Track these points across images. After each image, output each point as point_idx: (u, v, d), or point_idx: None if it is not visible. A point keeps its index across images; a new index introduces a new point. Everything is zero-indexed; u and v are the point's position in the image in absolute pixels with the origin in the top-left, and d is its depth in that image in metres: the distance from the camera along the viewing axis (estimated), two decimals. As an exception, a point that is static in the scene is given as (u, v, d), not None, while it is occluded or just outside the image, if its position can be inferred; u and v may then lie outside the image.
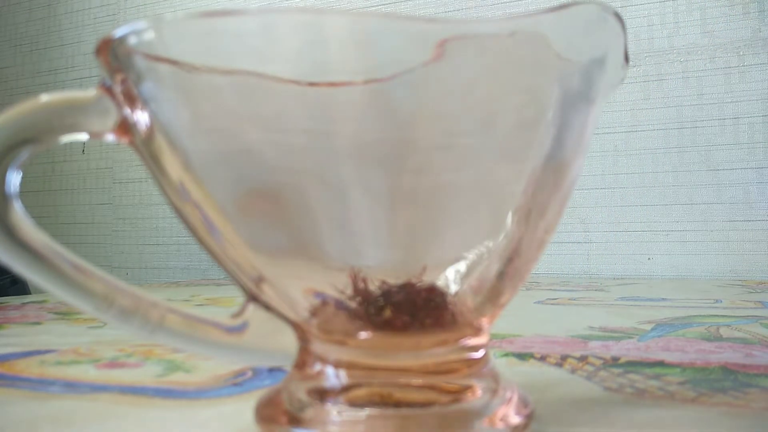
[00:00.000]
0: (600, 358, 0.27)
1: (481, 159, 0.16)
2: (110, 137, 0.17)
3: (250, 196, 0.16)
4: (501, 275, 0.17)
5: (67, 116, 0.16)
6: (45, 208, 1.21)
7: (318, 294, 0.17)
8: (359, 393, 0.17)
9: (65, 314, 0.46)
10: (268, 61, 0.15)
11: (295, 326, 0.18)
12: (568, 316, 0.42)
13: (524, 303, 0.50)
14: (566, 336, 0.33)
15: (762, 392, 0.21)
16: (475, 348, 0.18)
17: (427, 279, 0.17)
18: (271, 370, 0.25)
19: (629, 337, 0.32)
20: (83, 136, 0.17)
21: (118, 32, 0.16)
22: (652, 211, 0.82)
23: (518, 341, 0.31)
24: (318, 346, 0.18)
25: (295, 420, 0.17)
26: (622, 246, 0.83)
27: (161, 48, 0.15)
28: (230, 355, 0.18)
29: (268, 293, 0.17)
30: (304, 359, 0.18)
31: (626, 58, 0.18)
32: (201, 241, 0.18)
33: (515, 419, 0.17)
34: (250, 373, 0.25)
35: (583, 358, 0.27)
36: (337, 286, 0.16)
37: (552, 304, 0.49)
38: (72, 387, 0.24)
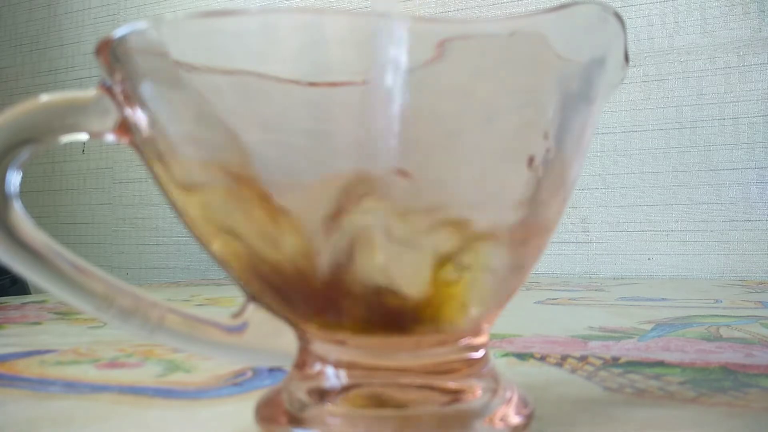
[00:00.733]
0: (600, 358, 0.27)
1: (481, 159, 0.16)
2: (110, 137, 0.17)
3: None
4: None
5: (67, 116, 0.16)
6: (45, 208, 1.21)
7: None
8: (359, 393, 0.17)
9: (65, 314, 0.46)
10: (269, 61, 0.15)
11: (295, 326, 0.18)
12: (568, 316, 0.42)
13: (524, 303, 0.50)
14: (566, 336, 0.33)
15: (762, 392, 0.21)
16: (475, 348, 0.18)
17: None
18: (271, 370, 0.25)
19: (629, 337, 0.32)
20: (83, 136, 0.17)
21: (118, 32, 0.16)
22: (652, 211, 0.82)
23: (518, 341, 0.31)
24: (318, 346, 0.18)
25: (295, 420, 0.17)
26: (622, 246, 0.83)
27: (161, 48, 0.15)
28: (230, 355, 0.18)
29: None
30: (304, 359, 0.18)
31: (626, 59, 0.18)
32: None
33: (515, 419, 0.17)
34: (250, 374, 0.25)
35: (583, 358, 0.27)
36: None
37: (552, 304, 0.49)
38: (72, 387, 0.24)
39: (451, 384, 0.18)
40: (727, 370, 0.24)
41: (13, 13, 1.27)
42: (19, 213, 0.16)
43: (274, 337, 0.18)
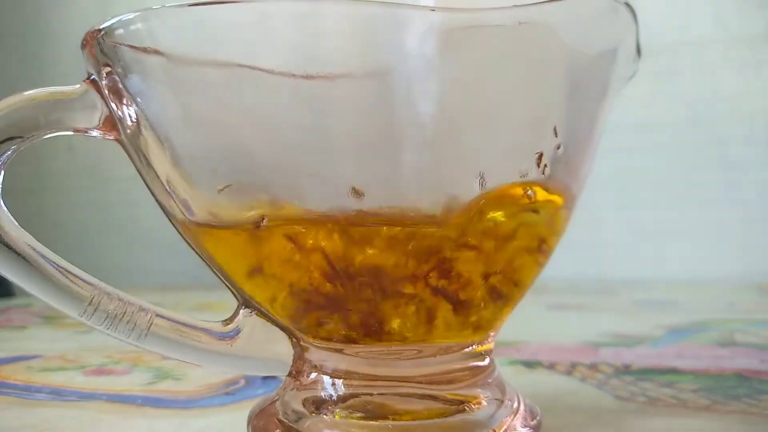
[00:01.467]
0: (611, 365, 0.27)
1: (488, 154, 0.15)
2: (96, 133, 0.17)
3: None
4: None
5: (52, 112, 0.16)
6: (29, 208, 1.19)
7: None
8: (357, 403, 0.17)
9: (51, 318, 0.45)
10: (262, 53, 0.14)
11: (290, 333, 0.17)
12: (578, 321, 0.42)
13: (532, 308, 0.49)
14: (576, 342, 0.33)
15: (778, 400, 0.21)
16: (480, 356, 0.18)
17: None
18: (265, 379, 0.25)
19: (641, 343, 0.32)
20: (68, 132, 0.16)
21: (104, 24, 0.15)
22: (664, 211, 0.81)
23: (525, 348, 0.31)
24: (314, 354, 0.17)
25: (289, 431, 0.17)
26: (633, 248, 0.82)
27: (149, 39, 0.15)
28: (222, 362, 0.18)
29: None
30: (299, 368, 0.18)
31: (638, 51, 0.18)
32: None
33: (522, 431, 0.17)
34: (242, 382, 0.25)
35: (593, 366, 0.27)
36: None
37: (561, 309, 0.49)
38: (58, 394, 0.24)
39: (455, 393, 0.17)
40: (741, 377, 0.24)
41: (-2, 4, 1.26)
42: (2, 213, 0.16)
43: (267, 344, 0.18)
